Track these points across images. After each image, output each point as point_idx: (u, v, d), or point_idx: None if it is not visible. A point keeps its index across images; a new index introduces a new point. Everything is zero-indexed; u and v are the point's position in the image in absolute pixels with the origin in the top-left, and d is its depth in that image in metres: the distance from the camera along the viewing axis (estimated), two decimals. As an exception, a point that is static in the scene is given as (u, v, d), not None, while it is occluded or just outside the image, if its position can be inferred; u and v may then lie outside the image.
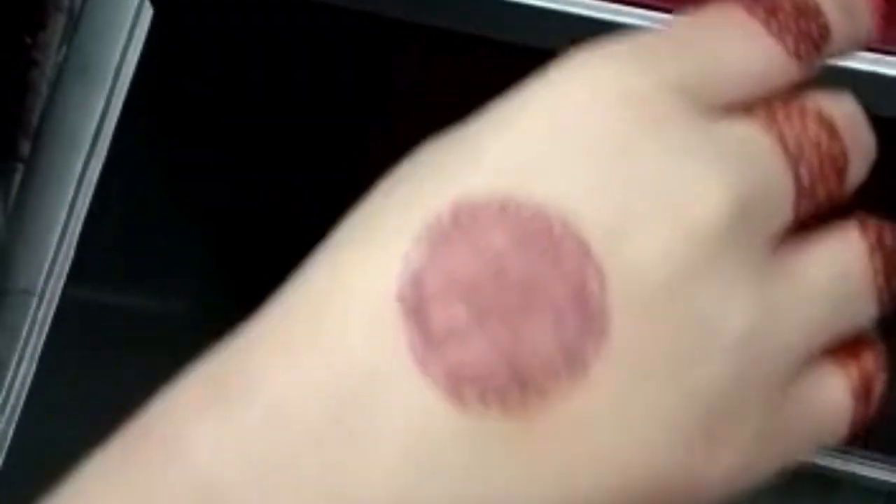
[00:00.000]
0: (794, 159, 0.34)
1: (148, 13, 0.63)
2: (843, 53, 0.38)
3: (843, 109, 0.36)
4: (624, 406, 0.31)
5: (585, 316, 0.30)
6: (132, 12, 0.63)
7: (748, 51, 0.35)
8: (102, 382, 0.67)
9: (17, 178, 0.54)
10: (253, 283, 0.92)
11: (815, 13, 0.37)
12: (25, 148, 0.54)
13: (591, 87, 0.32)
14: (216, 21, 0.55)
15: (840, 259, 0.35)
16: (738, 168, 0.33)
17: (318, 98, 0.61)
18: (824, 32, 0.37)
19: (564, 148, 0.32)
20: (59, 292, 0.56)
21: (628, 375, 0.31)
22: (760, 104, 0.35)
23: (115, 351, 0.68)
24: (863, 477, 0.78)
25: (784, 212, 0.33)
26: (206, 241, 0.80)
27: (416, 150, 0.34)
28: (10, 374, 0.56)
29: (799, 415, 0.34)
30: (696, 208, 0.31)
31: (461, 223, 0.31)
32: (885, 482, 0.79)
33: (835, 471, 0.79)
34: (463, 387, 0.30)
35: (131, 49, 0.60)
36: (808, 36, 0.37)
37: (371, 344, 0.30)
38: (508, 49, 0.52)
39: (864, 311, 0.35)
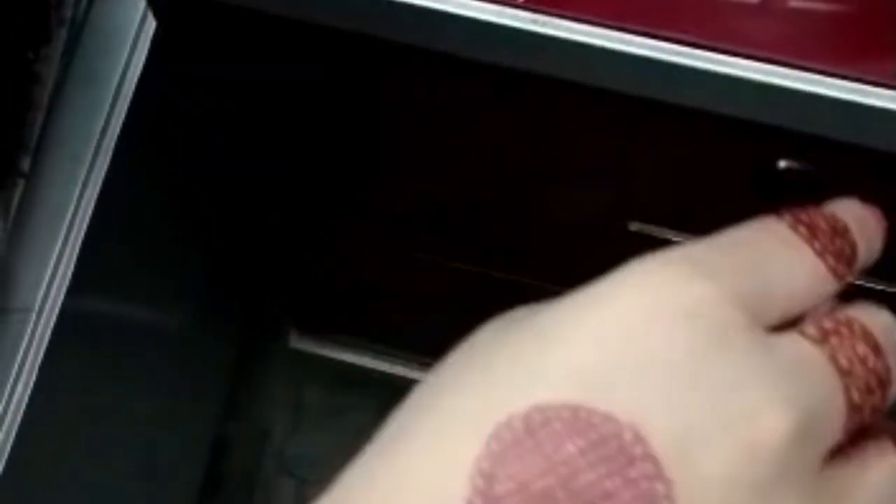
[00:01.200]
0: (845, 377, 0.35)
1: (151, 26, 0.62)
2: (861, 268, 0.39)
3: (882, 323, 0.37)
4: None
5: None
6: (135, 25, 0.63)
7: (797, 268, 0.37)
8: (101, 396, 0.67)
9: (18, 193, 0.54)
10: (253, 298, 0.92)
11: (845, 232, 0.39)
12: (25, 163, 0.54)
13: (656, 298, 0.33)
14: (220, 34, 0.55)
15: (881, 482, 0.36)
16: (798, 389, 0.34)
17: (322, 111, 0.61)
18: (854, 251, 0.38)
19: (632, 358, 0.32)
20: (58, 308, 0.56)
21: None
22: (807, 318, 0.36)
23: (115, 365, 0.68)
24: None
25: (836, 430, 0.35)
26: (206, 255, 0.80)
27: (481, 332, 0.35)
28: (8, 388, 0.56)
29: None
30: (760, 430, 0.32)
31: (533, 430, 0.31)
32: None
33: None
34: None
35: (134, 62, 0.59)
36: (843, 255, 0.38)
37: None
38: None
39: None
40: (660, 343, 0.32)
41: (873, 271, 0.42)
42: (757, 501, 0.32)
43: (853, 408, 0.35)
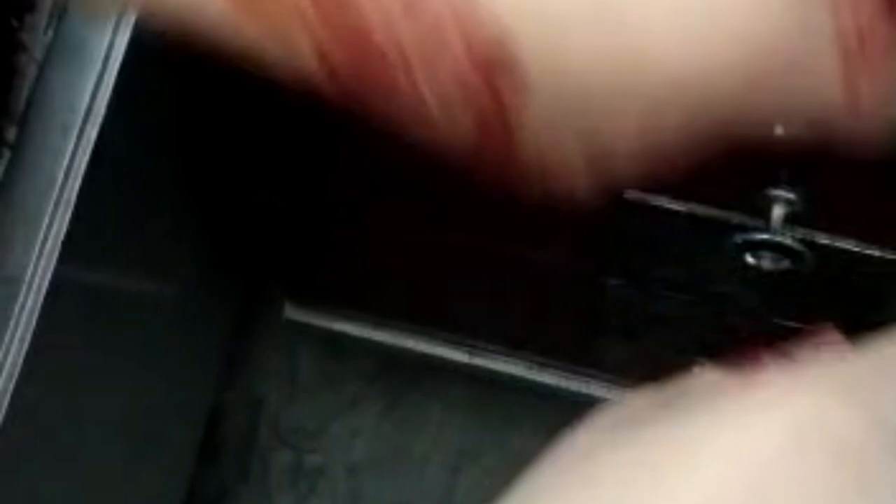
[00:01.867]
0: None
1: (139, -7, 0.62)
2: None
3: None
4: None
5: None
6: (123, -8, 0.62)
7: None
8: (94, 365, 0.67)
9: (3, 164, 0.53)
10: (247, 269, 0.91)
11: None
12: (11, 133, 0.53)
13: (797, 430, 0.29)
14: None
15: None
16: None
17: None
18: None
19: (773, 491, 0.28)
20: (48, 278, 0.55)
21: None
22: None
23: (107, 335, 0.68)
24: None
25: None
26: (199, 226, 0.79)
27: (579, 443, 0.30)
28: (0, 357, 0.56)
29: None
30: None
31: None
32: None
33: None
34: None
35: (122, 30, 0.58)
36: None
37: None
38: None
39: None
40: (800, 486, 0.29)
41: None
42: None
43: None
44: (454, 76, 0.30)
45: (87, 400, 0.66)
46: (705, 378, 0.31)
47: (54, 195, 0.55)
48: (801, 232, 0.54)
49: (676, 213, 0.58)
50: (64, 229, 0.55)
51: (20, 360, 0.56)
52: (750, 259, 0.57)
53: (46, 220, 0.55)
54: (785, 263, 0.57)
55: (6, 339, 0.56)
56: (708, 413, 0.30)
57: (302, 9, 0.31)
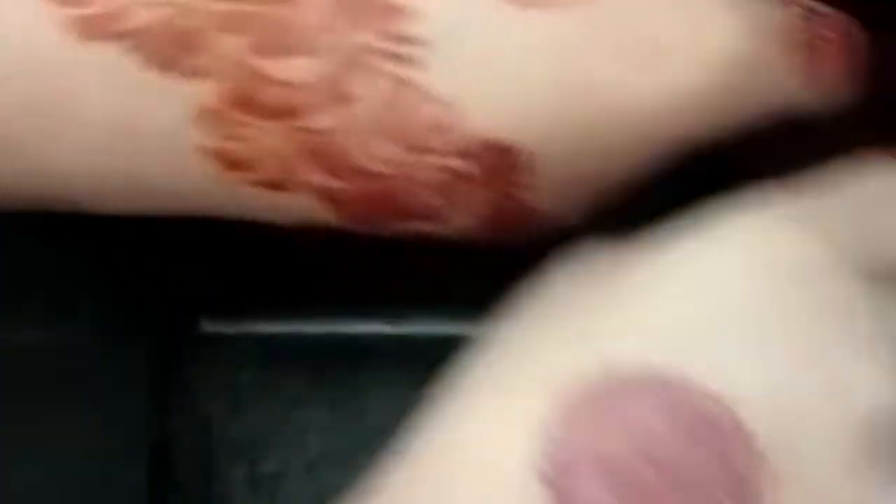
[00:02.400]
0: None
1: None
2: None
3: None
4: None
5: None
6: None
7: None
8: (11, 425, 0.65)
9: None
10: (156, 291, 0.90)
11: None
12: None
13: (757, 254, 0.30)
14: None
15: None
16: None
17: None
18: None
19: (728, 319, 0.29)
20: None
21: None
22: None
23: (12, 407, 0.66)
24: None
25: None
26: (98, 264, 0.78)
27: (551, 283, 0.32)
28: None
29: None
30: (869, 401, 0.29)
31: (611, 394, 0.28)
32: None
33: None
34: None
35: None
36: None
37: None
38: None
39: None
40: (758, 308, 0.30)
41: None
42: (859, 482, 0.29)
43: None
44: (460, 181, 0.33)
45: (13, 459, 0.65)
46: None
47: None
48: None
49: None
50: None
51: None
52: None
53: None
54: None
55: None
56: (660, 253, 0.31)
57: (292, 157, 0.33)
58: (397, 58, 0.32)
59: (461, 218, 0.35)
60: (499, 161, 0.33)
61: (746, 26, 0.32)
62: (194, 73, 0.32)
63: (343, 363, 1.03)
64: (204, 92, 0.33)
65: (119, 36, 0.32)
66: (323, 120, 0.33)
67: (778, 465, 0.28)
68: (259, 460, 1.03)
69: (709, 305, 0.30)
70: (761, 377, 0.29)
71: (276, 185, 0.35)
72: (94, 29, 0.32)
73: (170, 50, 0.32)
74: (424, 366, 0.96)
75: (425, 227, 0.35)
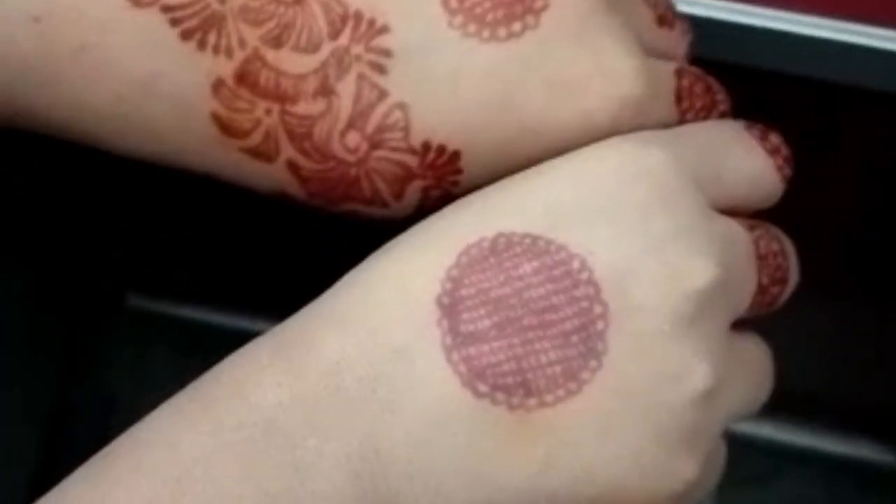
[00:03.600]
0: (761, 261, 0.42)
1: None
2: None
3: (784, 236, 0.45)
4: (608, 422, 0.37)
5: (588, 345, 0.36)
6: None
7: (748, 159, 0.43)
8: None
9: None
10: (78, 260, 0.87)
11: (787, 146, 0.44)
12: None
13: (623, 160, 0.39)
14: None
15: (759, 356, 0.44)
16: (725, 251, 0.39)
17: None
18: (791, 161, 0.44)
19: (593, 204, 0.38)
20: None
21: (616, 398, 0.37)
22: (739, 214, 0.42)
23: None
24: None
25: (745, 301, 0.42)
26: (36, 228, 0.76)
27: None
28: None
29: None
30: (691, 275, 0.38)
31: (499, 251, 0.37)
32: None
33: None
34: (478, 380, 0.36)
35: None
36: (790, 161, 0.44)
37: (410, 332, 0.36)
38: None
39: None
40: (619, 197, 0.38)
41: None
42: (679, 333, 0.37)
43: (761, 289, 0.42)
44: (405, 173, 0.40)
45: None
46: None
47: None
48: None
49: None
50: None
51: None
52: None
53: None
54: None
55: None
56: (562, 157, 0.40)
57: (277, 134, 0.40)
58: (371, 64, 0.39)
59: (398, 204, 0.41)
60: (435, 158, 0.39)
61: (641, 72, 0.40)
62: (216, 50, 0.39)
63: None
64: (220, 67, 0.39)
65: (164, 8, 0.38)
66: (307, 107, 0.39)
67: (617, 311, 0.37)
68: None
69: (579, 192, 0.38)
70: (612, 249, 0.37)
71: (258, 154, 0.40)
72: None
73: (202, 28, 0.39)
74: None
75: (368, 209, 0.42)
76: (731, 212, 0.42)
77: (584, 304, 0.36)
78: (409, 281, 0.37)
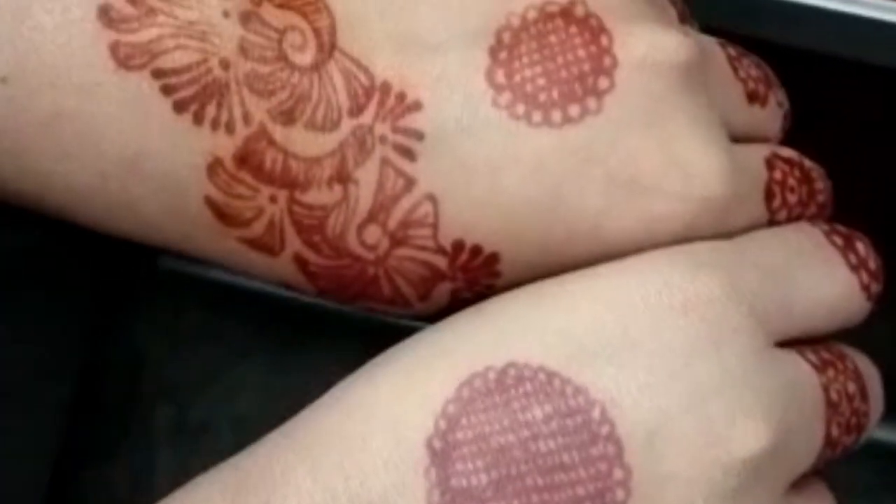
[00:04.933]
0: (831, 410, 0.35)
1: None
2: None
3: (868, 370, 0.38)
4: None
5: None
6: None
7: (827, 280, 0.36)
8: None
9: None
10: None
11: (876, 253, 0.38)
12: None
13: (667, 286, 0.33)
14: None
15: None
16: (784, 407, 0.33)
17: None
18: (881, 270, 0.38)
19: (621, 341, 0.32)
20: None
21: None
22: (809, 343, 0.36)
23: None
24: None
25: (807, 461, 0.35)
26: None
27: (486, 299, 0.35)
28: None
29: None
30: (735, 439, 0.31)
31: (506, 386, 0.31)
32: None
33: None
34: None
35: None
36: (879, 275, 0.38)
37: (392, 481, 0.31)
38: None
39: None
40: (652, 331, 0.32)
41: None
42: None
43: (829, 442, 0.35)
44: (432, 274, 0.35)
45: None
46: None
47: None
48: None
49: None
50: None
51: None
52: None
53: None
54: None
55: None
56: (579, 274, 0.34)
57: (283, 225, 0.35)
58: (397, 147, 0.34)
59: (423, 304, 0.37)
60: (468, 260, 0.34)
61: (725, 169, 0.34)
62: (215, 125, 0.34)
63: (299, 328, 1.02)
64: (219, 145, 0.34)
65: (157, 73, 0.33)
66: (320, 196, 0.34)
67: (642, 479, 0.31)
68: (187, 407, 1.02)
69: (608, 321, 0.33)
70: (641, 399, 0.32)
71: (260, 246, 0.36)
72: (134, 59, 0.33)
73: (199, 100, 0.33)
74: (371, 344, 0.96)
75: (389, 308, 0.38)
76: (802, 339, 0.36)
77: (603, 466, 0.31)
78: (398, 412, 0.32)
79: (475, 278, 0.35)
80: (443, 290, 0.36)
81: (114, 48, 0.33)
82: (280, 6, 0.33)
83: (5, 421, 0.77)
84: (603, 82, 0.33)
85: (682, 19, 0.38)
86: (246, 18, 0.33)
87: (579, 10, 0.32)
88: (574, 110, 0.33)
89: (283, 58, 0.33)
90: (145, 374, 1.03)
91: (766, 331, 0.34)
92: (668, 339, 0.32)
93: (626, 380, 0.32)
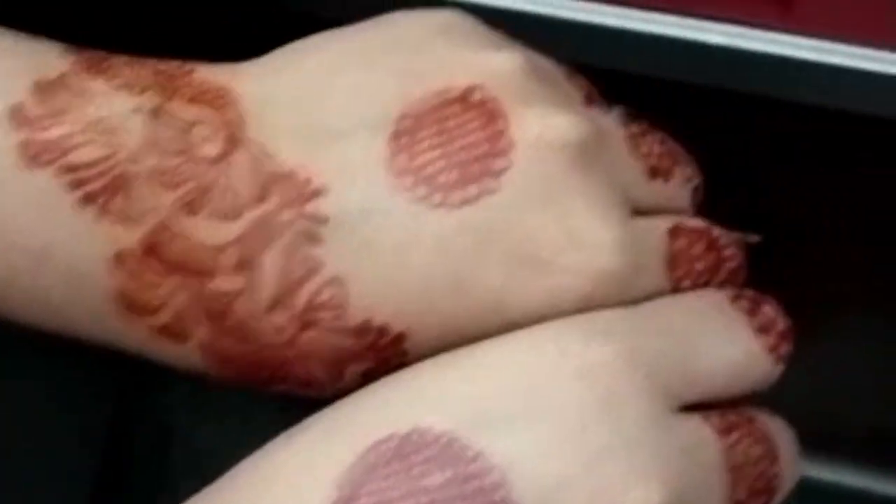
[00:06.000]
0: (735, 474, 0.35)
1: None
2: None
3: (778, 430, 0.37)
4: None
5: None
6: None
7: (730, 344, 0.36)
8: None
9: None
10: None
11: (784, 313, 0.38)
12: None
13: (563, 353, 0.33)
14: None
15: None
16: (680, 471, 0.33)
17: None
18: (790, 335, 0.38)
19: (522, 407, 0.33)
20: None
21: None
22: (717, 407, 0.36)
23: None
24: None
25: None
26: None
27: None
28: None
29: None
30: (631, 500, 0.32)
31: (407, 453, 0.32)
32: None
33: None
34: None
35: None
36: (788, 336, 0.38)
37: None
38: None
39: None
40: (549, 397, 0.33)
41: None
42: None
43: None
44: (343, 355, 0.35)
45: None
46: None
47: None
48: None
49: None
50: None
51: None
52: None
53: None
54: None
55: None
56: (485, 343, 0.35)
57: (190, 312, 0.35)
58: (302, 232, 0.34)
59: (338, 384, 0.37)
60: (376, 339, 0.35)
61: (620, 242, 0.35)
62: (121, 217, 0.34)
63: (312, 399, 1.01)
64: (125, 237, 0.35)
65: (65, 169, 0.34)
66: (225, 284, 0.35)
67: None
68: (215, 477, 1.00)
69: (506, 387, 0.33)
70: (538, 462, 0.32)
71: (169, 334, 0.36)
72: (41, 157, 0.34)
73: (106, 193, 0.34)
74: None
75: (302, 391, 0.37)
76: (711, 403, 0.36)
77: None
78: (303, 480, 0.32)
79: (385, 357, 0.36)
80: (355, 370, 0.36)
81: (24, 146, 0.34)
82: (191, 100, 0.35)
83: (38, 485, 0.78)
84: (500, 162, 0.34)
85: (589, 101, 0.39)
86: (155, 114, 0.34)
87: (476, 95, 0.34)
88: (472, 190, 0.34)
89: (189, 150, 0.34)
90: (174, 441, 1.02)
91: (666, 395, 0.34)
92: (564, 403, 0.33)
93: (524, 444, 0.32)
